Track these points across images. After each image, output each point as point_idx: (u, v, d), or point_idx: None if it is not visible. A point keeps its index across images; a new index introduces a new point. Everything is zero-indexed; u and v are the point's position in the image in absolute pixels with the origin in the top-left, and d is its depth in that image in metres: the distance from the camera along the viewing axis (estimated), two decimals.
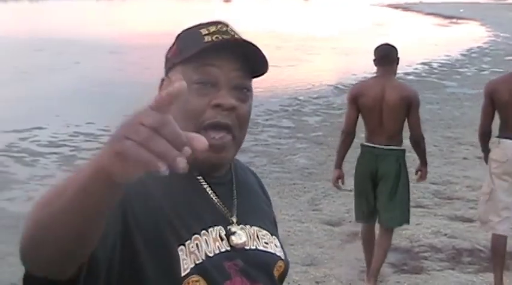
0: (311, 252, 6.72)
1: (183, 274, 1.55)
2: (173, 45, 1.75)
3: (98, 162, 1.13)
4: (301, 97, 15.87)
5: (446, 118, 13.78)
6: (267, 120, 13.34)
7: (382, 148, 5.76)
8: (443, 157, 10.61)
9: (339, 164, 6.06)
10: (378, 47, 5.84)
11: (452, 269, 6.30)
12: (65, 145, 11.18)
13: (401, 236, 6.99)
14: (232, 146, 1.67)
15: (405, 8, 74.64)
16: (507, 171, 5.70)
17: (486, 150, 5.96)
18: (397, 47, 5.86)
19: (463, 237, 7.07)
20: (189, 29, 1.75)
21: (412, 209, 7.55)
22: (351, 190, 8.72)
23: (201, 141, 1.09)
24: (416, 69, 21.64)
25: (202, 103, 1.62)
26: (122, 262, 1.49)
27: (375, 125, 5.76)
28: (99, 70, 19.52)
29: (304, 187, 8.92)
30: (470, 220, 7.66)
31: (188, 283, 1.55)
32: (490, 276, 6.06)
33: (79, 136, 11.70)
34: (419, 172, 6.05)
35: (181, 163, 1.05)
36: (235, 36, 1.68)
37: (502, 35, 36.33)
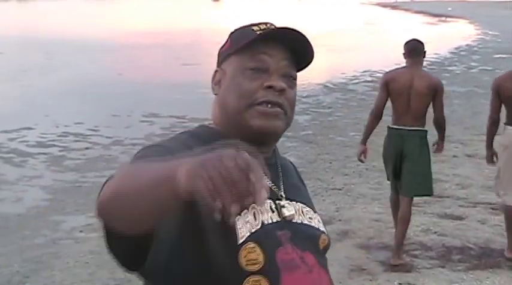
0: None
1: (239, 241, 1.68)
2: (226, 41, 1.94)
3: (174, 170, 1.29)
4: None
5: None
6: None
7: (408, 130, 6.42)
8: (432, 155, 10.60)
9: (364, 140, 6.81)
10: (407, 42, 6.59)
11: (443, 267, 6.30)
12: (54, 146, 11.14)
13: (391, 234, 6.99)
14: (283, 119, 1.82)
15: (394, 6, 74.83)
16: (510, 154, 6.45)
17: (490, 139, 6.73)
18: (423, 42, 6.61)
19: (453, 235, 7.08)
20: (241, 27, 1.94)
21: None
22: (340, 189, 8.79)
23: (261, 195, 1.24)
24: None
25: (255, 85, 1.80)
26: (185, 235, 1.64)
27: (402, 109, 6.42)
28: (89, 70, 19.47)
29: None
30: (460, 218, 7.67)
31: (245, 249, 1.68)
32: (480, 274, 6.08)
33: (68, 136, 11.66)
34: (435, 145, 6.78)
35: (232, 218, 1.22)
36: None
37: (490, 32, 36.43)
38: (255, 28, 1.87)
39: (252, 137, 1.76)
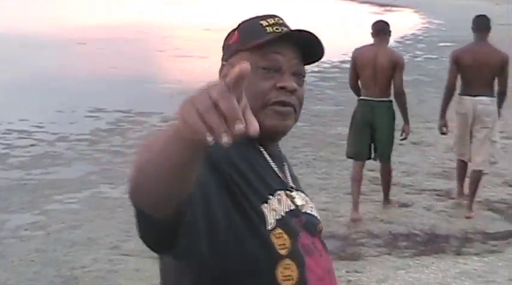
0: None
1: (268, 227, 1.79)
2: (233, 33, 1.99)
3: (174, 123, 1.35)
4: None
5: None
6: None
7: (377, 100, 7.30)
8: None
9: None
10: (375, 23, 7.51)
11: (389, 254, 6.36)
12: None
13: (338, 223, 7.05)
14: (293, 118, 1.92)
15: None
16: (467, 121, 7.40)
17: (445, 105, 7.67)
18: (387, 22, 7.58)
19: (399, 222, 7.15)
20: (248, 20, 1.99)
21: (348, 196, 7.66)
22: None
23: (254, 125, 1.27)
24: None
25: (267, 85, 1.87)
26: (219, 219, 1.70)
27: (369, 82, 7.29)
28: (32, 66, 19.17)
29: None
30: (406, 205, 7.75)
31: (274, 235, 1.79)
32: (425, 260, 6.16)
33: (12, 134, 11.44)
34: (403, 132, 7.62)
35: (225, 138, 1.24)
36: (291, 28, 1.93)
37: (435, 21, 36.83)
38: (263, 23, 1.93)
39: (265, 135, 1.81)
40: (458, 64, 7.49)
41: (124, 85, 16.00)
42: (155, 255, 6.03)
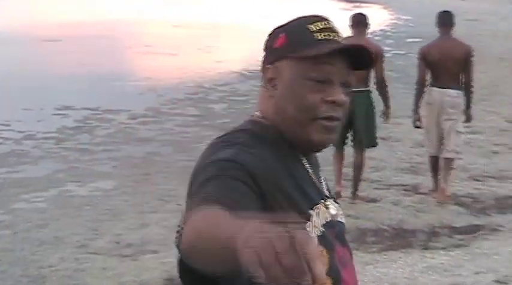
0: None
1: None
2: (279, 35, 1.89)
3: (235, 238, 1.30)
4: (206, 85, 15.76)
5: None
6: (172, 108, 13.21)
7: (355, 90, 6.88)
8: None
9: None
10: (353, 15, 7.90)
11: (357, 249, 6.36)
12: None
13: None
14: (338, 130, 1.89)
15: None
16: (435, 111, 7.78)
17: (418, 99, 7.94)
18: (365, 15, 8.01)
19: (367, 217, 7.18)
20: (294, 21, 1.91)
21: None
22: None
23: (317, 274, 1.21)
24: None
25: (317, 98, 1.80)
26: None
27: None
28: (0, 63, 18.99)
29: None
30: (374, 200, 7.80)
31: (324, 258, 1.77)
32: (393, 255, 6.19)
33: None
34: (384, 116, 8.08)
35: None
36: (341, 35, 1.89)
37: (403, 17, 36.94)
38: (311, 28, 1.85)
39: (309, 147, 1.87)
40: (425, 59, 7.81)
41: (92, 83, 15.88)
42: (122, 253, 5.99)
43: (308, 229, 1.78)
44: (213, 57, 21.29)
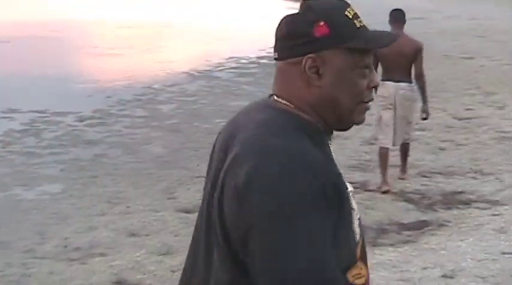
0: (167, 241, 6.66)
1: (356, 239, 1.84)
2: (317, 24, 1.83)
3: None
4: (155, 86, 15.68)
5: None
6: (120, 110, 13.10)
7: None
8: None
9: None
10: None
11: None
12: None
13: None
14: None
15: None
16: (389, 103, 8.16)
17: None
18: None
19: None
20: (326, 6, 1.87)
21: None
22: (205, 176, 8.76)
23: None
24: (269, 52, 21.70)
25: (365, 84, 1.88)
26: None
27: None
28: None
29: (159, 176, 8.83)
30: None
31: (359, 245, 1.85)
32: None
33: None
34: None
35: None
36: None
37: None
38: (348, 14, 1.86)
39: (344, 129, 1.95)
40: (376, 54, 7.77)
41: (39, 85, 15.69)
42: (70, 257, 5.92)
43: (354, 219, 1.84)
44: (161, 57, 21.19)
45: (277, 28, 1.93)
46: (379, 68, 8.13)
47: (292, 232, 1.64)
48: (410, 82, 8.26)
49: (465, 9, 38.98)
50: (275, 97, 1.91)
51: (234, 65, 19.22)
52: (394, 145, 8.36)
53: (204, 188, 1.96)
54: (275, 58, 1.93)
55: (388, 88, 8.12)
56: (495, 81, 15.72)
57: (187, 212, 7.40)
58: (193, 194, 7.98)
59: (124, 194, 8.13)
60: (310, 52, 1.83)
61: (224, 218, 1.75)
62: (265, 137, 1.77)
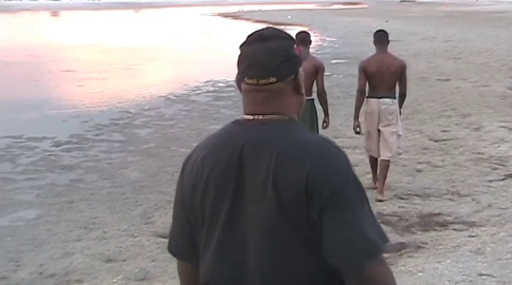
0: (144, 266, 6.61)
1: None
2: (295, 44, 2.35)
3: None
4: (132, 110, 15.65)
5: None
6: (97, 134, 13.05)
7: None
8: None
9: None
10: (298, 33, 8.71)
11: None
12: None
13: None
14: None
15: (235, 16, 75.68)
16: (373, 118, 8.72)
17: (358, 106, 8.85)
18: (310, 33, 9.15)
19: None
20: (285, 32, 2.39)
21: None
22: None
23: None
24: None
25: None
26: None
27: None
28: None
29: (136, 201, 8.78)
30: None
31: None
32: None
33: None
34: (324, 123, 8.78)
35: None
36: None
37: (328, 39, 37.45)
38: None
39: None
40: (365, 71, 8.68)
41: (15, 110, 15.62)
42: (45, 284, 5.80)
43: None
44: (138, 81, 21.19)
45: (265, 57, 2.25)
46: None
47: (363, 196, 2.19)
48: (393, 97, 8.75)
49: (440, 32, 39.38)
50: (273, 117, 2.26)
51: (211, 89, 19.25)
52: (379, 156, 8.85)
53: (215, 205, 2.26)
54: (270, 83, 2.25)
55: (371, 105, 8.73)
56: (471, 102, 15.84)
57: (165, 237, 7.34)
58: (171, 218, 7.91)
59: (100, 219, 8.06)
60: (299, 68, 2.34)
61: (293, 207, 2.12)
62: (306, 137, 2.26)
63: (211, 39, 39.76)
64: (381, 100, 8.64)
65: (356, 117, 8.88)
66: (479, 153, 10.82)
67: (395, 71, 8.60)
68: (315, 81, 8.50)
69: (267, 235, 2.15)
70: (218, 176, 2.23)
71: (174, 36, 42.01)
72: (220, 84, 19.87)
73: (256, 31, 2.34)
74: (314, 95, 8.57)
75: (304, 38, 8.60)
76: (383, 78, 8.56)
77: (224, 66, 25.09)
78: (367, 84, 8.69)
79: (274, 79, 2.24)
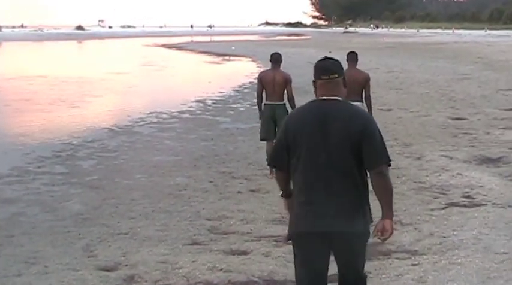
0: None
1: None
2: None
3: (391, 215, 5.41)
4: (74, 142, 15.48)
5: (221, 154, 13.87)
6: (39, 167, 12.86)
7: (276, 104, 11.63)
8: (218, 192, 10.74)
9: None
10: (272, 54, 11.86)
11: None
12: None
13: (178, 275, 6.95)
14: None
15: (178, 47, 75.79)
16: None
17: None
18: (280, 54, 11.93)
19: (239, 270, 7.13)
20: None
21: (188, 247, 7.63)
22: (126, 233, 8.63)
23: None
24: (191, 107, 21.88)
25: None
26: None
27: (271, 92, 11.65)
28: None
29: (79, 234, 8.64)
30: (245, 253, 7.76)
31: None
32: None
33: None
34: None
35: None
36: None
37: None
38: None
39: None
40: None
41: None
42: None
43: None
44: (81, 112, 21.02)
45: (331, 65, 4.77)
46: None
47: (381, 136, 4.73)
48: (361, 101, 11.34)
49: (382, 63, 40.00)
50: (337, 98, 4.71)
51: (155, 120, 19.19)
52: None
53: (307, 144, 4.64)
54: (335, 77, 4.73)
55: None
56: (412, 132, 16.09)
57: (108, 270, 7.25)
58: (114, 251, 7.84)
59: (42, 253, 7.92)
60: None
61: (352, 139, 4.57)
62: (359, 109, 4.90)
63: (154, 70, 39.68)
64: (353, 103, 9.59)
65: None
66: (421, 182, 10.96)
67: (362, 81, 11.47)
68: (286, 90, 11.47)
69: (338, 152, 4.57)
70: (311, 125, 4.60)
71: (116, 67, 41.82)
72: (164, 115, 19.84)
73: (323, 57, 4.87)
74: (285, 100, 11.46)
75: (274, 59, 11.77)
76: (353, 87, 10.33)
77: (168, 96, 25.10)
78: None
79: (337, 75, 4.72)
